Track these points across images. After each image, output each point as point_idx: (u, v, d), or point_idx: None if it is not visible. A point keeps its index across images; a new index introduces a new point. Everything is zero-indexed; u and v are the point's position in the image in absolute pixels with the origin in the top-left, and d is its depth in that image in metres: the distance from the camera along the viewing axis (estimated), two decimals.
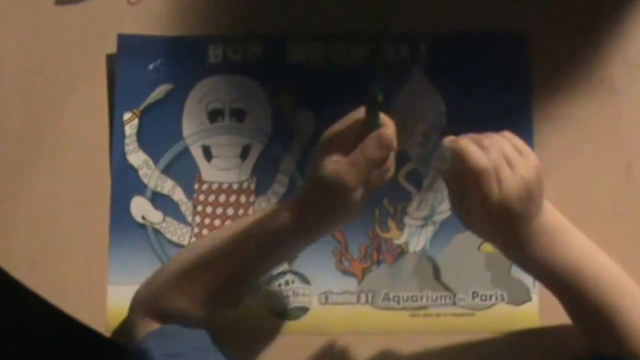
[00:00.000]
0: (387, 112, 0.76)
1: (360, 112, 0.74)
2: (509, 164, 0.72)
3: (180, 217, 0.93)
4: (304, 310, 0.91)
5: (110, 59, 0.96)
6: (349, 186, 0.72)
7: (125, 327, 0.87)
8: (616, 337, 0.79)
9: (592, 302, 0.78)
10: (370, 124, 0.73)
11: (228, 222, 0.92)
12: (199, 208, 0.93)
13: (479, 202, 0.72)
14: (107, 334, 0.90)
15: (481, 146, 0.73)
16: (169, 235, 0.92)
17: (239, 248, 0.81)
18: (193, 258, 0.82)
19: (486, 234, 0.78)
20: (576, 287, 0.78)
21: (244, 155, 0.93)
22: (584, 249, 0.79)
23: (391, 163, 0.76)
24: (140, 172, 0.93)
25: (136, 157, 0.94)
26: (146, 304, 0.85)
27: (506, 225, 0.74)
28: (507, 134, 0.76)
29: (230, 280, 0.82)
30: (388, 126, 0.74)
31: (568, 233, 0.79)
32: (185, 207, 0.93)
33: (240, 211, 0.92)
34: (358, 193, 0.73)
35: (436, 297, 0.91)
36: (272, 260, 0.84)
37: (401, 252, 0.92)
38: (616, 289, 0.79)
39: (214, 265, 0.81)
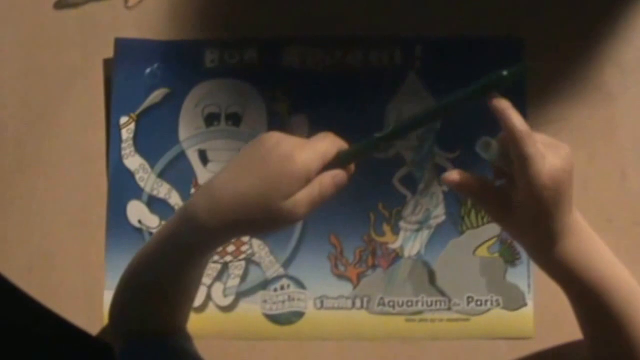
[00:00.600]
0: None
1: (331, 150, 0.72)
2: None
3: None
4: (299, 315, 0.91)
5: (108, 62, 0.96)
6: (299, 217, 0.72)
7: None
8: (627, 348, 0.78)
9: (609, 312, 0.77)
10: (340, 163, 0.72)
11: None
12: None
13: (526, 185, 0.70)
14: (104, 338, 0.90)
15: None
16: None
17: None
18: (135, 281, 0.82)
19: (522, 228, 0.76)
20: (595, 295, 0.76)
21: None
22: (607, 257, 0.78)
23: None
24: (137, 176, 0.93)
25: (132, 161, 0.94)
26: (117, 323, 0.85)
27: (546, 215, 0.72)
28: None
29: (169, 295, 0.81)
30: (349, 169, 0.74)
31: (594, 240, 0.78)
32: None
33: None
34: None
35: (431, 302, 0.91)
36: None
37: (396, 256, 0.92)
38: (634, 301, 0.78)
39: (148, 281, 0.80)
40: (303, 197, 0.70)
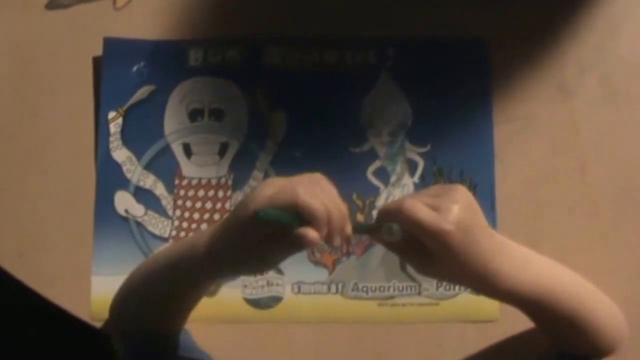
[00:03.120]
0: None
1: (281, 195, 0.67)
2: (437, 208, 0.68)
3: (161, 211, 0.93)
4: (278, 299, 0.91)
5: (97, 61, 0.96)
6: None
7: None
8: (583, 338, 0.80)
9: (559, 314, 0.77)
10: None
11: (206, 216, 0.92)
12: (179, 202, 0.93)
13: (435, 243, 0.68)
14: (91, 321, 0.90)
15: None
16: (150, 228, 0.92)
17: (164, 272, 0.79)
18: (142, 287, 0.83)
19: (450, 275, 0.73)
20: (544, 305, 0.76)
21: (221, 152, 0.94)
22: (544, 267, 0.78)
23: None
24: (124, 168, 0.93)
25: (120, 154, 0.93)
26: (122, 327, 0.86)
27: (467, 256, 0.69)
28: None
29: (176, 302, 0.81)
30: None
31: (526, 255, 0.77)
32: (166, 201, 0.93)
33: (218, 205, 0.92)
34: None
35: (402, 288, 0.91)
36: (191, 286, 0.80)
37: (369, 244, 0.92)
38: (579, 296, 0.80)
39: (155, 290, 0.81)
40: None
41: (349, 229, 0.68)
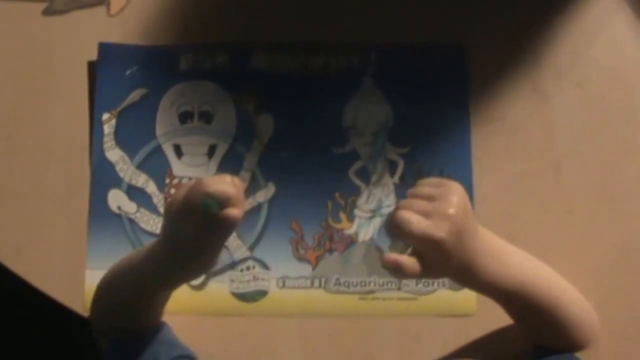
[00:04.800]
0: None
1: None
2: (432, 214, 0.70)
3: (152, 208, 0.93)
4: (263, 293, 0.92)
5: (92, 65, 0.96)
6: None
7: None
8: (559, 331, 0.81)
9: (537, 307, 0.79)
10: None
11: None
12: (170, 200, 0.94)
13: (432, 249, 0.70)
14: (85, 314, 0.90)
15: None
16: (142, 225, 0.93)
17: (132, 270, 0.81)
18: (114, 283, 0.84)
19: (442, 276, 0.77)
20: (522, 298, 0.78)
21: (210, 153, 0.94)
22: (523, 262, 0.79)
23: None
24: (117, 167, 0.94)
25: (113, 154, 0.94)
26: (100, 325, 0.86)
27: (457, 257, 0.71)
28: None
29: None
30: None
31: (506, 250, 0.78)
32: (158, 199, 0.94)
33: None
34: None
35: (383, 283, 0.91)
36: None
37: (351, 241, 0.93)
38: (555, 290, 0.81)
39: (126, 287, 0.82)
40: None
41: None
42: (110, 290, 0.84)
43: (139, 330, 0.85)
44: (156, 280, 0.78)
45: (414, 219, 0.69)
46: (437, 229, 0.69)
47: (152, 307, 0.85)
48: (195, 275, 0.82)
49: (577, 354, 0.83)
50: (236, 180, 0.70)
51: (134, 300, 0.82)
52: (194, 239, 0.70)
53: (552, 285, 0.82)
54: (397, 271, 0.69)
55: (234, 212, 0.68)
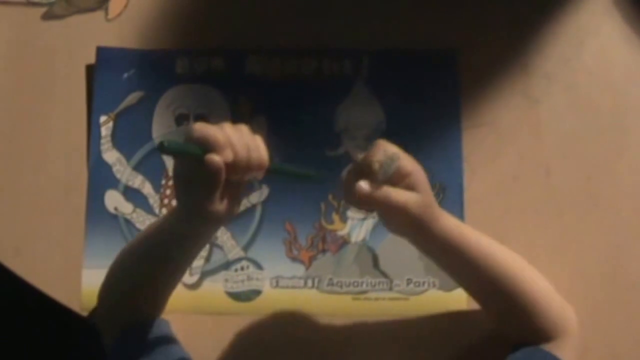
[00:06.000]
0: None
1: None
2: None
3: (148, 209, 0.94)
4: (257, 293, 0.92)
5: (90, 68, 0.97)
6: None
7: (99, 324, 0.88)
8: (523, 318, 0.82)
9: (503, 289, 0.80)
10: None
11: None
12: (166, 201, 0.94)
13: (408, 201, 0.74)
14: (82, 312, 0.91)
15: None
16: (138, 225, 0.93)
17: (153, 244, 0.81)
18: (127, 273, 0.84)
19: (404, 232, 0.80)
20: (487, 275, 0.80)
21: None
22: (483, 239, 0.82)
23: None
24: (114, 169, 0.95)
25: (110, 155, 0.95)
26: (107, 317, 0.86)
27: (430, 209, 0.76)
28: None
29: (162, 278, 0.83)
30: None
31: (469, 230, 0.82)
32: (154, 200, 0.94)
33: None
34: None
35: (375, 283, 0.92)
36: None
37: (344, 242, 0.93)
38: (522, 276, 0.82)
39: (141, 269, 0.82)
40: None
41: (258, 159, 0.72)
42: (125, 269, 0.84)
43: (146, 317, 0.85)
44: (177, 231, 0.77)
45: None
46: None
47: (164, 285, 0.85)
48: (212, 225, 0.78)
49: (550, 345, 0.82)
50: (228, 127, 0.71)
51: (150, 273, 0.82)
52: (194, 182, 0.70)
53: (520, 270, 0.83)
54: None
55: (214, 158, 0.68)
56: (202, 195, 0.71)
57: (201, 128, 0.69)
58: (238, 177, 0.71)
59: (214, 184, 0.70)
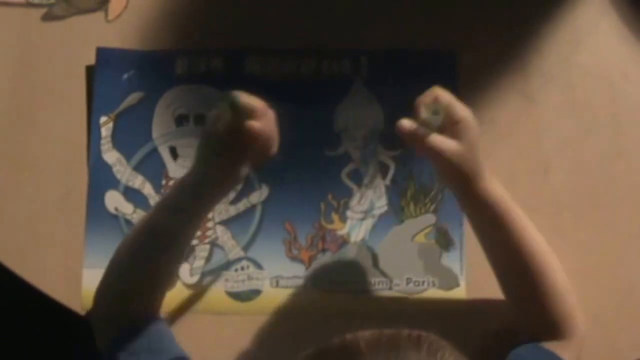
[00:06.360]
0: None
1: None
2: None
3: (149, 209, 0.93)
4: (258, 292, 0.93)
5: (90, 69, 0.97)
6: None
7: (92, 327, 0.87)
8: (542, 300, 0.82)
9: (530, 271, 0.82)
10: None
11: None
12: None
13: (458, 135, 0.77)
14: (82, 312, 0.92)
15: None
16: None
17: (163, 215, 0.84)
18: (128, 263, 0.84)
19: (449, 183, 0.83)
20: (517, 251, 0.81)
21: None
22: (522, 217, 0.83)
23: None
24: (114, 169, 0.95)
25: (110, 156, 0.95)
26: (105, 315, 0.86)
27: (470, 157, 0.78)
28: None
29: (166, 259, 0.84)
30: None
31: (512, 204, 0.83)
32: (154, 200, 0.94)
33: None
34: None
35: (374, 282, 0.92)
36: (195, 213, 0.84)
37: (344, 242, 0.94)
38: (549, 264, 0.83)
39: (147, 251, 0.83)
40: None
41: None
42: (121, 266, 0.85)
43: (143, 316, 0.84)
44: (193, 197, 0.82)
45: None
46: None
47: (163, 276, 0.86)
48: (225, 186, 0.84)
49: (555, 344, 0.83)
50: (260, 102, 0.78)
51: (146, 266, 0.83)
52: (227, 144, 0.77)
53: (542, 250, 0.84)
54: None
55: (256, 124, 0.76)
56: (235, 157, 0.79)
57: (247, 97, 0.76)
58: (260, 151, 0.79)
59: (249, 148, 0.78)
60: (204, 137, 0.81)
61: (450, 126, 0.77)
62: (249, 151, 0.78)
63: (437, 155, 0.77)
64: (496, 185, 0.81)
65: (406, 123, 0.77)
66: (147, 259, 0.83)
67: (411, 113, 0.93)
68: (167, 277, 0.87)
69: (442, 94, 0.78)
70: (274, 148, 0.81)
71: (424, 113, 0.77)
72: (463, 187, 0.81)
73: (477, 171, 0.79)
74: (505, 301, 0.86)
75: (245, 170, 0.80)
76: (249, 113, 0.76)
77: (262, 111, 0.77)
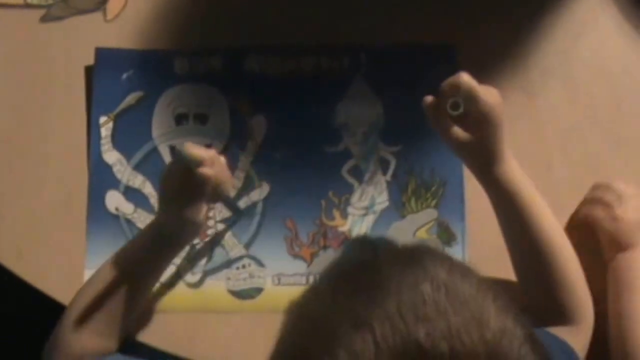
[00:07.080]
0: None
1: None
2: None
3: (149, 209, 0.94)
4: (259, 290, 0.92)
5: (89, 69, 0.98)
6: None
7: None
8: (554, 290, 0.83)
9: (543, 253, 0.82)
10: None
11: None
12: None
13: (478, 117, 0.80)
14: None
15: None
16: (139, 225, 0.93)
17: (130, 260, 0.84)
18: (90, 297, 0.83)
19: (472, 151, 0.83)
20: (532, 233, 0.83)
21: None
22: (540, 202, 0.84)
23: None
24: (114, 169, 0.95)
25: (111, 156, 0.95)
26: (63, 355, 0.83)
27: (491, 139, 0.81)
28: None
29: (128, 300, 0.83)
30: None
31: (522, 173, 0.85)
32: (154, 199, 0.94)
33: None
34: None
35: None
36: (160, 262, 0.86)
37: (345, 238, 0.93)
38: (563, 249, 0.84)
39: (111, 290, 0.83)
40: None
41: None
42: (94, 297, 0.83)
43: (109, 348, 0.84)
44: (155, 247, 0.84)
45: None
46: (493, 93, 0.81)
47: (133, 307, 0.85)
48: (189, 233, 0.86)
49: (564, 329, 0.82)
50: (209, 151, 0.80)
51: (126, 294, 0.83)
52: (182, 191, 0.80)
53: (557, 235, 0.84)
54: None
55: (207, 170, 0.79)
56: (192, 203, 0.81)
57: (195, 148, 0.79)
58: (213, 191, 0.82)
59: (204, 193, 0.81)
60: (161, 187, 0.84)
61: (475, 110, 0.80)
62: (203, 194, 0.81)
63: (448, 142, 0.83)
64: (514, 170, 0.84)
65: (428, 99, 0.83)
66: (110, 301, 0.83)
67: (410, 110, 0.95)
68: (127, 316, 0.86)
69: (464, 82, 0.80)
70: (228, 189, 0.88)
71: (446, 101, 0.80)
72: (478, 170, 0.85)
73: (493, 157, 0.82)
74: (508, 295, 0.85)
75: (203, 213, 0.83)
76: (200, 162, 0.79)
77: (212, 160, 0.80)
